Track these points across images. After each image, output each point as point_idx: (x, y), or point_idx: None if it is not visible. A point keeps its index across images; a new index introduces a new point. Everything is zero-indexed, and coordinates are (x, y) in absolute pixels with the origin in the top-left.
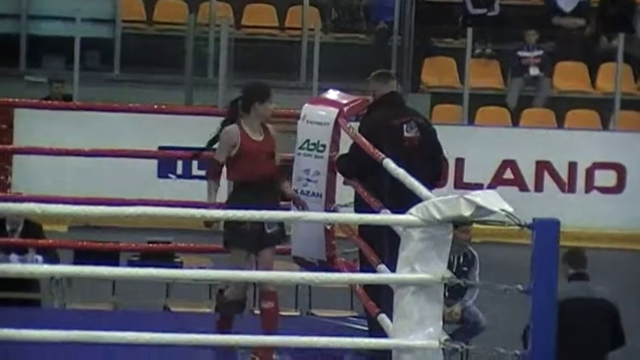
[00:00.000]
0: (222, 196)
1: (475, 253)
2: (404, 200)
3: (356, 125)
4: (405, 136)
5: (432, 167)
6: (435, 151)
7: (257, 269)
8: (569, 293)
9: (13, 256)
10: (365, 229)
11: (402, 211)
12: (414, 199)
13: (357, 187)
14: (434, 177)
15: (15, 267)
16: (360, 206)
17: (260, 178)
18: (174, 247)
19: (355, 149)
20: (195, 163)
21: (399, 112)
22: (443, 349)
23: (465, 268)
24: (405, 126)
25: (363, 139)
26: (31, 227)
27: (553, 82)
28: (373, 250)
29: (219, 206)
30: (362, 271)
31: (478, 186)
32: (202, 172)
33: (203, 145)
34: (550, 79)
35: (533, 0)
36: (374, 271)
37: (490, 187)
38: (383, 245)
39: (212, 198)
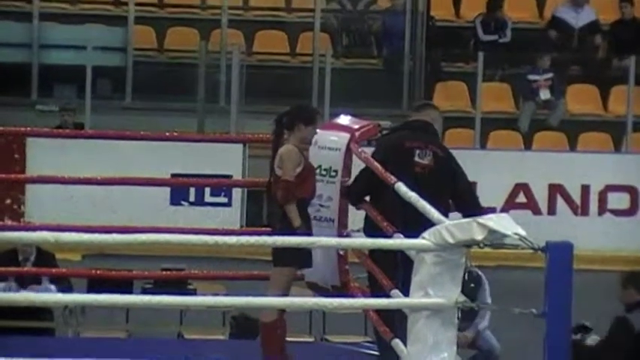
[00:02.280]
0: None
1: (480, 272)
2: (416, 224)
3: (369, 150)
4: (416, 161)
5: (446, 197)
6: (456, 183)
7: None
8: None
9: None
10: (377, 254)
11: (414, 236)
12: (427, 223)
13: (368, 210)
14: (458, 207)
15: (29, 296)
16: (370, 230)
17: (309, 199)
18: (188, 275)
19: (361, 173)
20: (207, 189)
21: (416, 137)
22: None
23: (472, 285)
24: (417, 151)
25: (375, 162)
26: (44, 256)
27: (564, 105)
28: (386, 275)
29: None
30: (374, 295)
31: (491, 210)
32: (215, 199)
33: (216, 172)
34: (562, 101)
35: (544, 23)
36: (387, 295)
37: (503, 210)
38: (396, 270)
39: (299, 220)
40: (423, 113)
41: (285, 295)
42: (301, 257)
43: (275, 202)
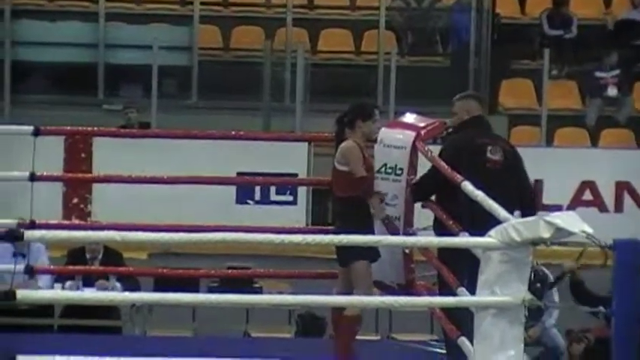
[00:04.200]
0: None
1: (547, 271)
2: (483, 222)
3: (434, 148)
4: (488, 157)
5: (515, 193)
6: (520, 179)
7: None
8: None
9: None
10: (445, 253)
11: (482, 234)
12: (494, 221)
13: (435, 210)
14: (519, 203)
15: (96, 294)
16: (440, 229)
17: (372, 193)
18: (254, 273)
19: (429, 172)
20: (273, 188)
21: (484, 134)
22: None
23: (538, 285)
24: (489, 147)
25: (442, 161)
26: (112, 255)
27: (631, 102)
28: (453, 273)
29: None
30: (442, 294)
31: (557, 207)
32: (280, 198)
33: (282, 171)
34: (630, 98)
35: (611, 20)
36: (454, 294)
37: (569, 208)
38: (462, 268)
39: (384, 212)
40: (478, 107)
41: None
42: (369, 251)
43: (334, 199)
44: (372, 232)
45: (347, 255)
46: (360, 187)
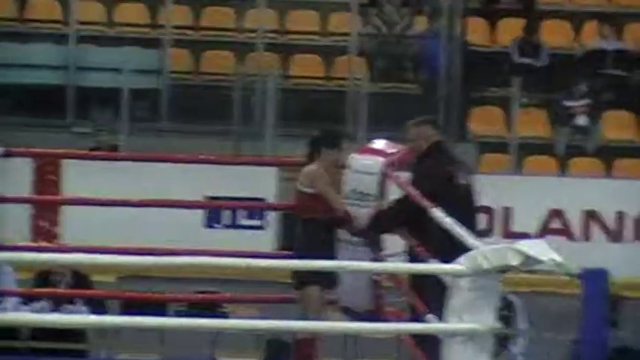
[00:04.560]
0: None
1: (515, 298)
2: (453, 249)
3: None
4: (459, 183)
5: (476, 216)
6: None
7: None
8: None
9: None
10: (415, 279)
11: (451, 261)
12: (463, 248)
13: (405, 236)
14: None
15: (62, 317)
16: (410, 256)
17: (331, 219)
18: (221, 297)
19: (400, 200)
20: (242, 212)
21: (449, 160)
22: None
23: (505, 312)
24: (458, 174)
25: (411, 188)
26: (80, 278)
27: (600, 131)
28: (422, 300)
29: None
30: (411, 320)
31: (526, 235)
32: (249, 222)
33: (251, 195)
34: (598, 127)
35: (580, 49)
36: (422, 320)
37: (538, 236)
38: (432, 295)
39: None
40: (436, 131)
41: (320, 315)
42: (324, 276)
43: (299, 221)
44: (334, 257)
45: (301, 278)
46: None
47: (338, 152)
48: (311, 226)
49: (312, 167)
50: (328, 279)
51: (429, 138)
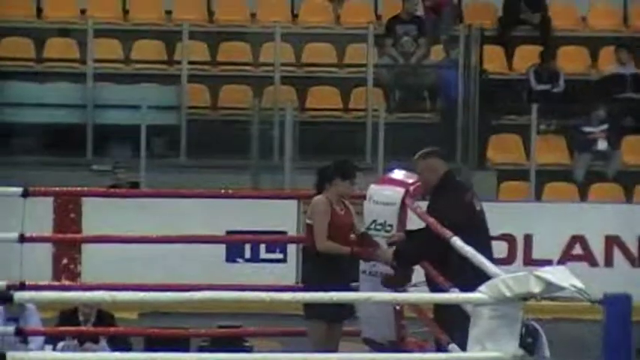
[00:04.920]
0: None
1: (538, 326)
2: (474, 278)
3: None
4: (477, 210)
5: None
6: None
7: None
8: None
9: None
10: (438, 309)
11: (472, 289)
12: (484, 276)
13: (427, 267)
14: None
15: (85, 356)
16: (431, 285)
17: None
18: (244, 332)
19: (428, 231)
20: (262, 246)
21: (462, 188)
22: None
23: (530, 340)
24: (474, 201)
25: (432, 218)
26: (104, 317)
27: (620, 156)
28: (445, 329)
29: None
30: (433, 350)
31: (547, 262)
32: (270, 255)
33: (271, 229)
34: (618, 152)
35: (597, 74)
36: (445, 350)
37: (559, 263)
38: (454, 324)
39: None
40: (428, 162)
41: (323, 348)
42: (328, 311)
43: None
44: (340, 288)
45: (307, 311)
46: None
47: (350, 183)
48: (315, 259)
49: (316, 199)
50: (336, 313)
51: (438, 170)
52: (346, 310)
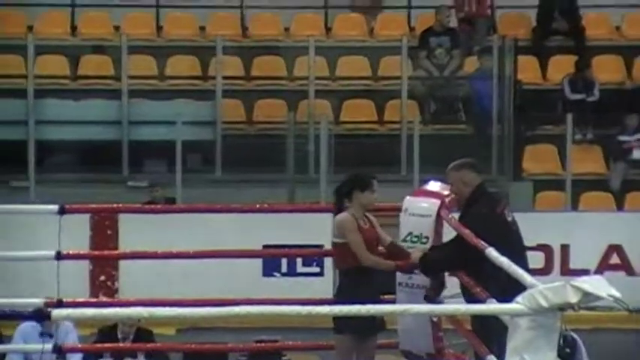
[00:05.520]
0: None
1: (576, 336)
2: (511, 289)
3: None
4: (509, 221)
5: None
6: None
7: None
8: None
9: None
10: (475, 320)
11: (509, 300)
12: (521, 287)
13: (462, 277)
14: None
15: None
16: (468, 296)
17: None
18: (282, 346)
19: (460, 242)
20: (299, 260)
21: (497, 200)
22: None
23: (568, 350)
24: (505, 212)
25: (467, 230)
26: (142, 334)
27: None
28: (483, 341)
29: None
30: None
31: (584, 272)
32: (307, 269)
33: (308, 242)
34: None
35: (632, 83)
36: None
37: (597, 272)
38: (492, 335)
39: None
40: (460, 174)
41: None
42: (358, 326)
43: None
44: (374, 302)
45: (336, 325)
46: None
47: (371, 193)
48: (349, 276)
49: (342, 216)
50: (365, 327)
51: (470, 182)
52: (376, 324)
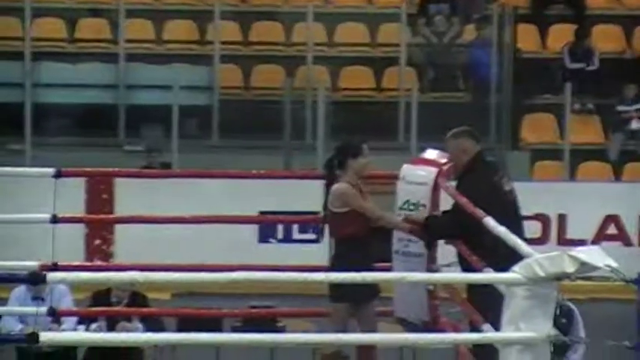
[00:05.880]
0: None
1: (573, 306)
2: (507, 258)
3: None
4: (505, 190)
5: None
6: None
7: (360, 325)
8: None
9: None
10: (471, 289)
11: (506, 269)
12: (518, 256)
13: (459, 246)
14: None
15: (120, 336)
16: (464, 265)
17: (368, 233)
18: (277, 312)
19: (458, 210)
20: (295, 226)
21: (494, 169)
22: None
23: (564, 320)
24: (502, 181)
25: (464, 198)
26: (137, 298)
27: None
28: (478, 310)
29: None
30: (467, 331)
31: (581, 242)
32: (303, 236)
33: (304, 209)
34: None
35: (631, 53)
36: (479, 330)
37: (594, 242)
38: (488, 304)
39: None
40: (458, 142)
41: (344, 330)
42: (354, 293)
43: (333, 241)
44: (370, 270)
45: (332, 292)
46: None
47: (362, 160)
48: (346, 245)
49: (341, 186)
50: (360, 294)
51: (468, 150)
52: (371, 291)
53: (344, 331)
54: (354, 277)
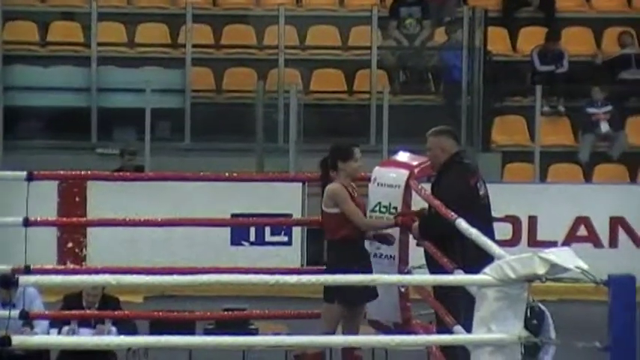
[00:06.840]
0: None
1: (543, 307)
2: (478, 259)
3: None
4: (481, 194)
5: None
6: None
7: (346, 326)
8: None
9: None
10: (440, 291)
11: (477, 271)
12: (489, 258)
13: (429, 247)
14: None
15: (93, 339)
16: (433, 267)
17: (362, 236)
18: (250, 315)
19: (436, 212)
20: (267, 229)
21: (470, 172)
22: None
23: (535, 322)
24: (478, 184)
25: (437, 200)
26: (109, 301)
27: (624, 138)
28: (449, 311)
29: None
30: (439, 332)
31: (552, 244)
32: (275, 238)
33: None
34: (623, 133)
35: (602, 55)
36: (450, 332)
37: (564, 244)
38: (458, 306)
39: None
40: (456, 142)
41: (332, 332)
42: (349, 295)
43: (327, 242)
44: (366, 272)
45: (325, 294)
46: (355, 226)
47: (353, 163)
48: (340, 246)
49: (333, 186)
50: (355, 297)
51: (447, 149)
52: (369, 294)
53: (334, 332)
54: (325, 279)
